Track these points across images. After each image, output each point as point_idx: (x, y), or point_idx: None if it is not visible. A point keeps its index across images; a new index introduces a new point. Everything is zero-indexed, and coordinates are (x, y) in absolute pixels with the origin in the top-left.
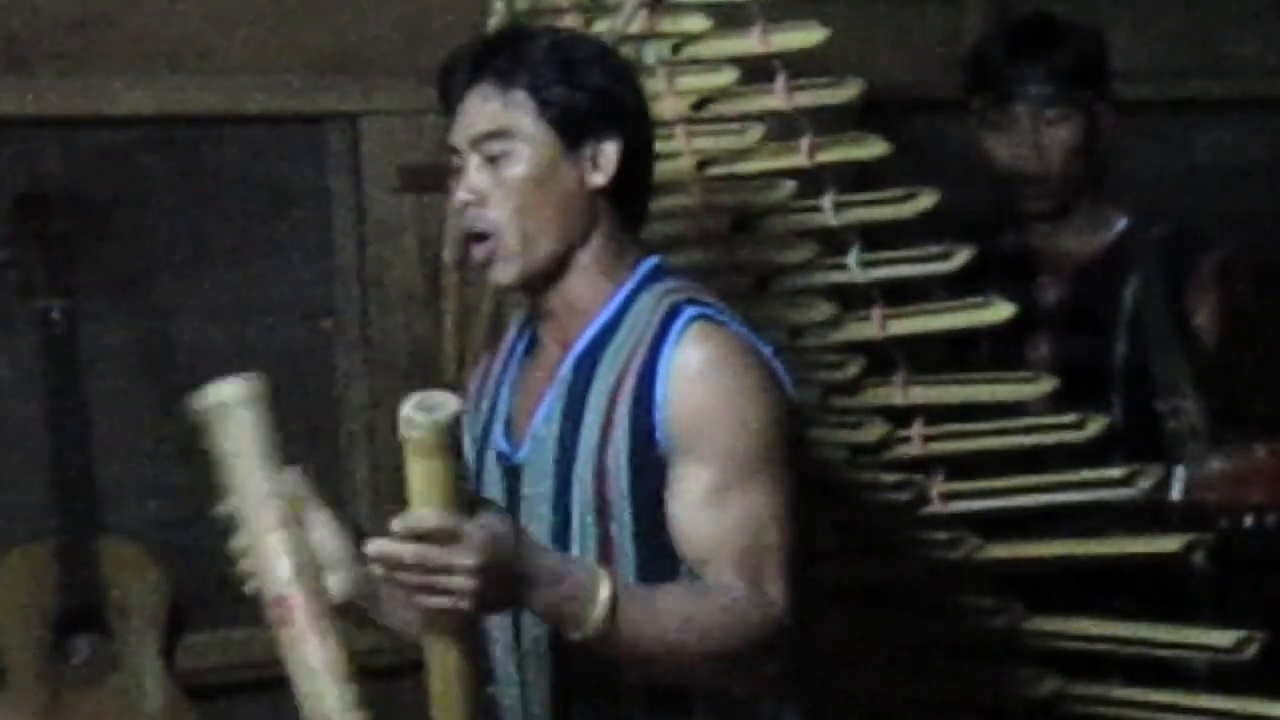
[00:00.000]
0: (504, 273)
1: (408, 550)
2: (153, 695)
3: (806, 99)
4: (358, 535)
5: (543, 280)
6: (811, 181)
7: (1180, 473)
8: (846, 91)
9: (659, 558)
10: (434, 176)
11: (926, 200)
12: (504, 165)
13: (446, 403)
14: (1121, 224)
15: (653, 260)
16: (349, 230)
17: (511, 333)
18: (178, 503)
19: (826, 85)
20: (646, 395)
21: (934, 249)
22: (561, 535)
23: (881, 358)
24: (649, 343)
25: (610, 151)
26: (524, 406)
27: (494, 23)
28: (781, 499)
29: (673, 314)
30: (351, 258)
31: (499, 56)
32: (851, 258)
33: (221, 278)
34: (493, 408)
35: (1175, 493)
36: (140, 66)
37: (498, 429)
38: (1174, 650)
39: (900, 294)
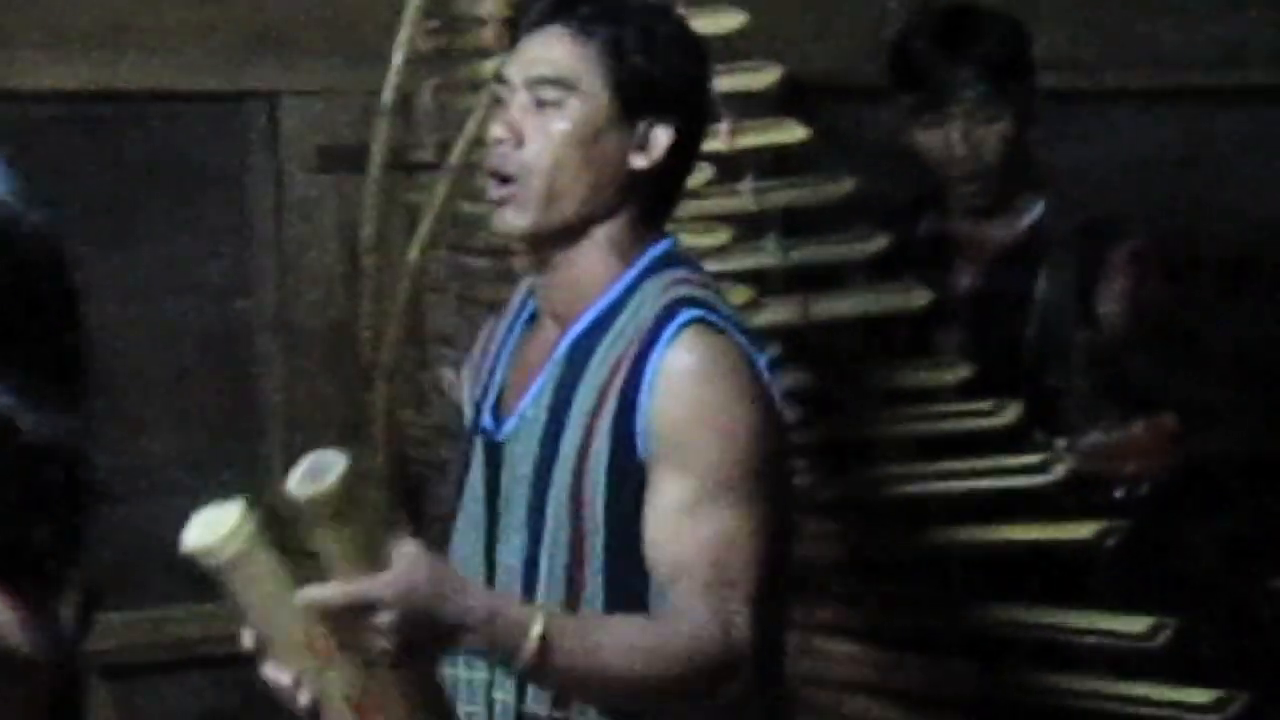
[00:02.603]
0: (516, 220)
1: (324, 621)
2: None
3: (726, 84)
4: None
5: (550, 242)
6: (730, 166)
7: (1060, 446)
8: (766, 77)
9: (629, 565)
10: (353, 157)
11: (845, 186)
12: (553, 115)
13: (334, 464)
14: (1037, 212)
15: (664, 244)
16: (267, 210)
17: (517, 298)
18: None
19: (746, 70)
20: (631, 397)
21: (852, 234)
22: (535, 526)
23: (799, 342)
24: (641, 341)
25: (662, 138)
26: (517, 382)
27: (414, 3)
28: (758, 518)
29: (669, 313)
30: (270, 237)
31: (584, 4)
32: (769, 242)
33: (139, 256)
34: (488, 381)
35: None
36: (59, 42)
37: (488, 403)
38: (1086, 637)
39: (817, 279)
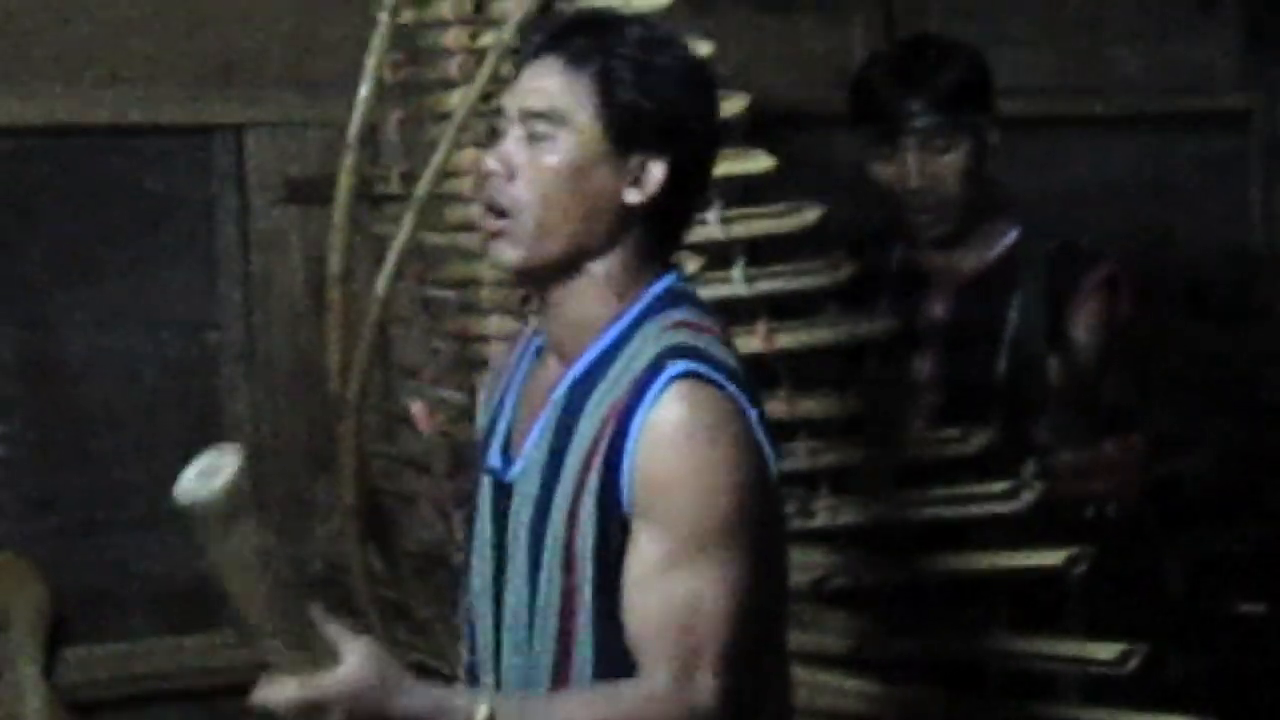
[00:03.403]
0: (508, 255)
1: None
2: (32, 708)
3: None
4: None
5: (545, 277)
6: None
7: (1031, 468)
8: (732, 106)
9: (617, 616)
10: (319, 189)
11: (811, 215)
12: (544, 148)
13: (226, 465)
14: (1010, 239)
15: (666, 281)
16: (234, 242)
17: (528, 331)
18: (62, 516)
19: None
20: (618, 451)
21: (818, 263)
22: (533, 571)
23: (766, 371)
24: (630, 392)
25: (656, 172)
26: (523, 419)
27: (378, 35)
28: (736, 577)
29: (658, 365)
30: (236, 270)
31: (579, 35)
32: (736, 271)
33: (106, 289)
34: (499, 411)
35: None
36: (25, 77)
37: (496, 442)
38: (1055, 663)
39: (791, 308)
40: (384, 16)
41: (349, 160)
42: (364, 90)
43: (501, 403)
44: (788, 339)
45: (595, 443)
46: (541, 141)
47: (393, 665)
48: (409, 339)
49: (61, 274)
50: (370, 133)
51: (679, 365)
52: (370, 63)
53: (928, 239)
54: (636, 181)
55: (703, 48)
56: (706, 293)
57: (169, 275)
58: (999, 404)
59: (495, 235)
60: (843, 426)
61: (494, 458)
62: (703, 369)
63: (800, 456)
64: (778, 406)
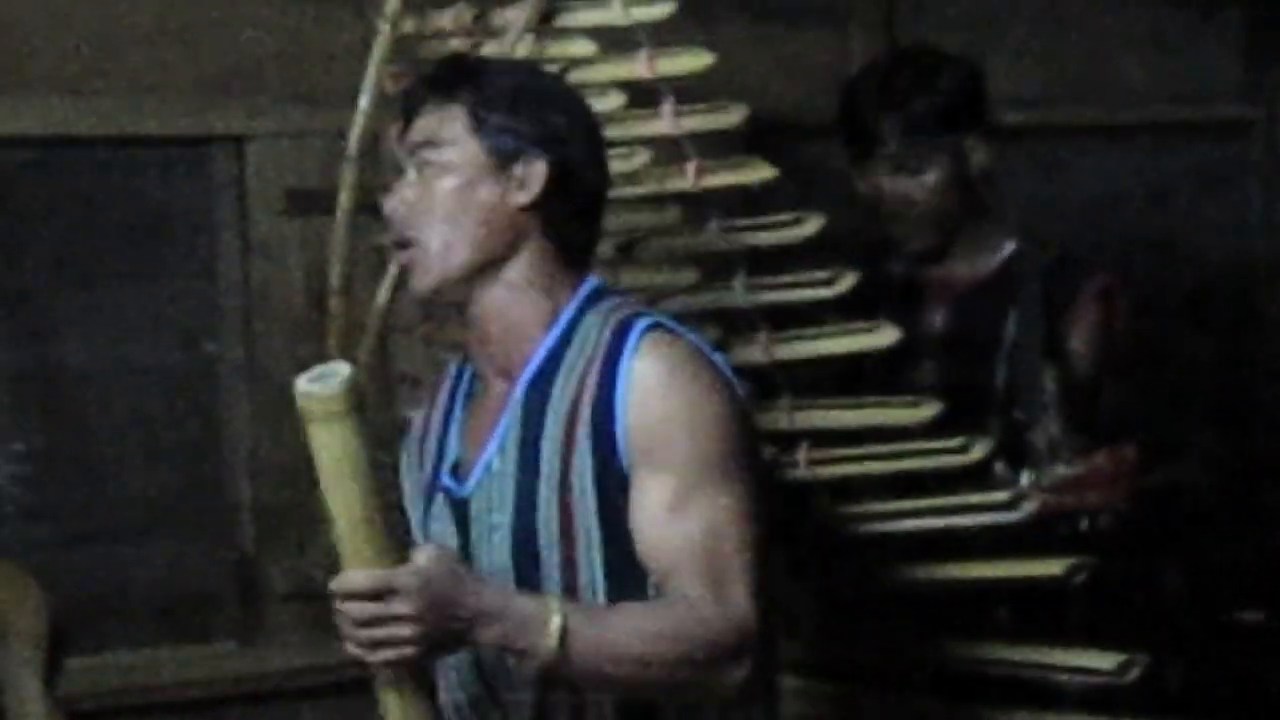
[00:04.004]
0: (421, 281)
1: (349, 609)
2: (34, 719)
3: (693, 124)
4: None
5: (462, 294)
6: (697, 206)
7: (1025, 479)
8: (732, 116)
9: (627, 575)
10: (319, 200)
11: (812, 225)
12: (433, 174)
13: (340, 369)
14: (1009, 249)
15: (593, 281)
16: (234, 253)
17: (449, 379)
18: (62, 525)
19: (713, 110)
20: (606, 410)
21: (819, 274)
22: (522, 564)
23: (767, 382)
24: (604, 358)
25: (538, 171)
26: (473, 442)
27: (379, 45)
28: (743, 503)
29: (625, 328)
30: (236, 281)
31: (447, 72)
32: (737, 282)
33: (105, 300)
34: (439, 452)
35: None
36: (23, 88)
37: (445, 470)
38: (1055, 672)
39: (792, 318)
40: (385, 27)
41: (350, 171)
42: (365, 101)
43: (443, 441)
44: (788, 350)
45: (572, 415)
46: (430, 169)
47: (463, 565)
48: (409, 349)
49: (61, 284)
50: (371, 144)
51: (646, 320)
52: (371, 73)
53: (907, 251)
54: (522, 186)
55: (703, 57)
56: (707, 303)
57: (169, 286)
58: (998, 413)
59: (406, 267)
60: (843, 437)
61: (445, 479)
62: (666, 322)
63: (801, 467)
64: (778, 418)
